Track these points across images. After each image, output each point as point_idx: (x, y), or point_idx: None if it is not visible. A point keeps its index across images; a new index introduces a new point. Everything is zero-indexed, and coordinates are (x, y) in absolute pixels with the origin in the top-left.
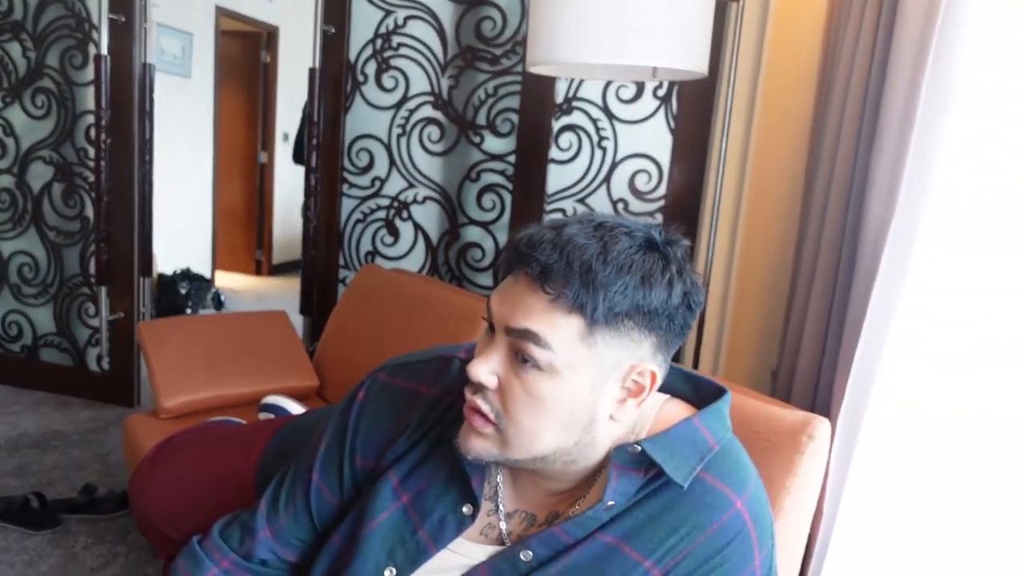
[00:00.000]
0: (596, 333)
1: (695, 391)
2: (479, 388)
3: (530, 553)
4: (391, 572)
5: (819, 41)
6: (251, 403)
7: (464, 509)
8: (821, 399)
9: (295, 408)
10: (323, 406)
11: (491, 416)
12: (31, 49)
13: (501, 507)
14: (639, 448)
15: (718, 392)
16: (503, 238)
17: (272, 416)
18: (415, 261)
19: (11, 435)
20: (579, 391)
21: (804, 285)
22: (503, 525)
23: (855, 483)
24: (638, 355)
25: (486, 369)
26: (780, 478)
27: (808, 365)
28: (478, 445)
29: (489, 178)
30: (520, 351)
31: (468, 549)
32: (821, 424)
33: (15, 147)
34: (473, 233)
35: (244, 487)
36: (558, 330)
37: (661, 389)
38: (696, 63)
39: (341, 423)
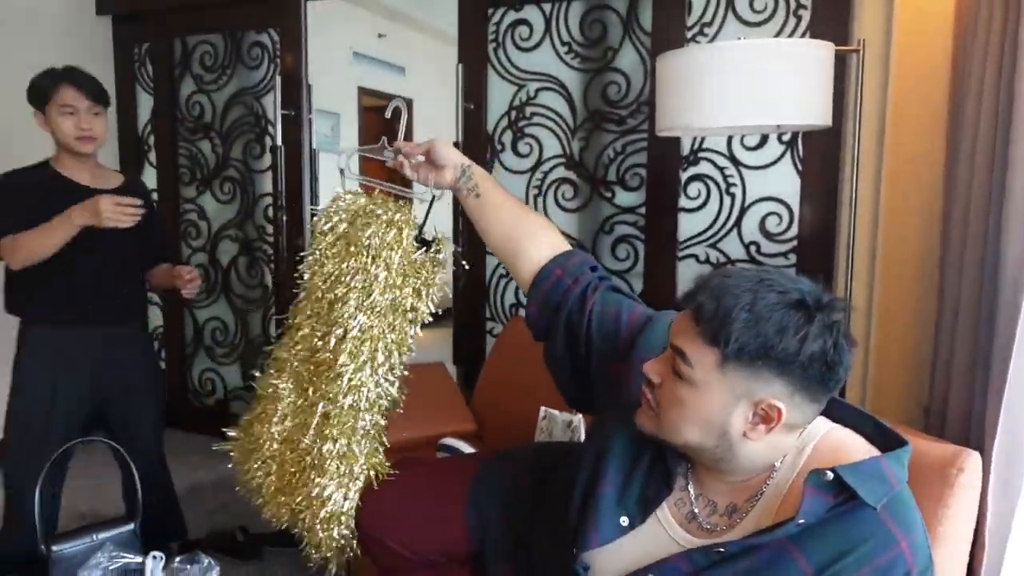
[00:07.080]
0: (728, 365)
1: (879, 434)
2: (649, 382)
3: (723, 550)
4: (624, 520)
5: (945, 82)
6: (424, 445)
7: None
8: (975, 433)
9: (467, 449)
10: (484, 448)
11: (652, 404)
12: (219, 145)
13: (690, 487)
14: (831, 475)
15: (902, 441)
16: (638, 285)
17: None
18: None
19: (213, 478)
20: (712, 405)
21: (949, 320)
22: (694, 503)
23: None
24: (768, 391)
25: (652, 370)
26: (931, 508)
27: (959, 400)
28: (643, 421)
29: (622, 230)
30: (675, 364)
31: (666, 517)
32: (971, 457)
33: (207, 229)
34: None
35: (455, 510)
36: (699, 355)
37: (845, 425)
38: (820, 116)
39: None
